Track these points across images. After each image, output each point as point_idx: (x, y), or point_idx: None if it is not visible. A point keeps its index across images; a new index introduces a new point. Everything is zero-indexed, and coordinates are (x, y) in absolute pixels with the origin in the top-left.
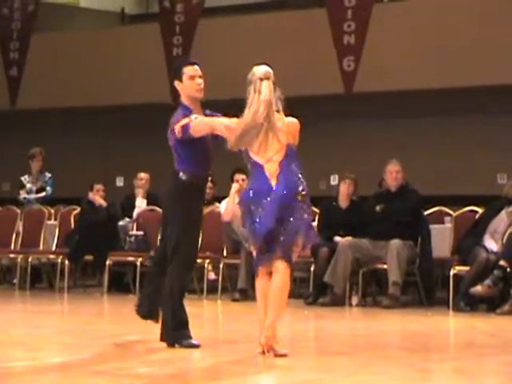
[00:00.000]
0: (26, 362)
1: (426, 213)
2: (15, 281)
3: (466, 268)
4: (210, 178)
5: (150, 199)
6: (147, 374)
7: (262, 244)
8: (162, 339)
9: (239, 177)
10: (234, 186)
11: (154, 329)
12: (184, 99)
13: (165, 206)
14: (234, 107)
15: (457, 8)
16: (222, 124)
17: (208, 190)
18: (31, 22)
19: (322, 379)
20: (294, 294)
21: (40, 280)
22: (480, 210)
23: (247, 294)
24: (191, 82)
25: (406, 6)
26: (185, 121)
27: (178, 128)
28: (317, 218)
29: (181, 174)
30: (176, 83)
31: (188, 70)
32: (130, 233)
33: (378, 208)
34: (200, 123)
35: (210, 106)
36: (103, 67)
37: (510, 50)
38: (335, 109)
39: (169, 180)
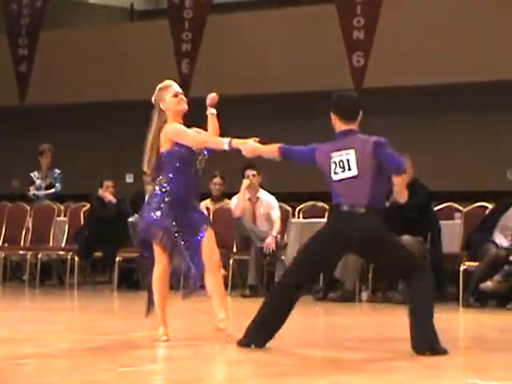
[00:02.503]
0: (35, 359)
1: (436, 209)
2: (25, 277)
3: (476, 264)
4: (218, 174)
5: None
6: (156, 370)
7: None
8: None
9: (250, 172)
10: (245, 182)
11: None
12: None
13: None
14: (242, 103)
15: (467, 3)
16: None
17: (218, 187)
18: (40, 17)
19: (332, 374)
20: None
21: (50, 277)
22: (490, 206)
23: (257, 290)
24: None
25: (416, 2)
26: None
27: None
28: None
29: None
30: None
31: None
32: None
33: (387, 204)
34: None
35: (220, 101)
36: (112, 63)
37: None
38: None
39: (372, 218)
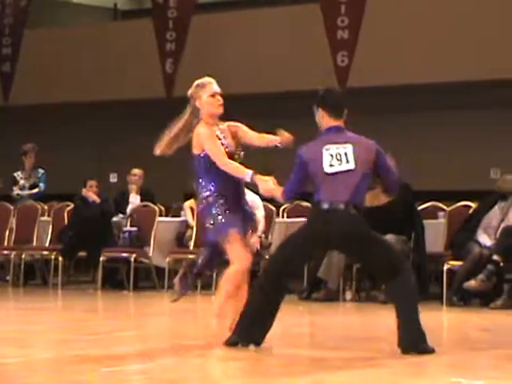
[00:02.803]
0: (19, 359)
1: (420, 208)
2: (8, 277)
3: (460, 263)
4: None
5: (144, 195)
6: (141, 370)
7: None
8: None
9: None
10: None
11: (148, 325)
12: None
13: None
14: (227, 102)
15: (450, 2)
16: None
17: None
18: (23, 17)
19: (315, 373)
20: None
21: (33, 276)
22: (473, 205)
23: None
24: None
25: (400, 2)
26: None
27: None
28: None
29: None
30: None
31: None
32: (124, 229)
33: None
34: None
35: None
36: (96, 63)
37: (503, 45)
38: None
39: (353, 217)
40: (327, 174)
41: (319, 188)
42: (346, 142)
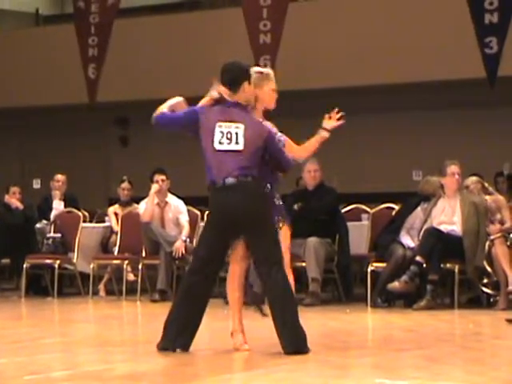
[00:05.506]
0: None
1: (344, 210)
2: None
3: (384, 264)
4: (127, 179)
5: (67, 201)
6: (66, 377)
7: None
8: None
9: (159, 177)
10: (154, 187)
11: (74, 331)
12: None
13: (246, 215)
14: (149, 107)
15: (369, 8)
16: None
17: (126, 192)
18: None
19: (241, 374)
20: (213, 294)
21: None
22: (396, 207)
23: (166, 295)
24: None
25: (321, 5)
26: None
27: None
28: None
29: (267, 186)
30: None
31: None
32: (48, 235)
33: (295, 206)
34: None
35: (123, 106)
36: (18, 68)
37: (427, 49)
38: None
39: (250, 188)
40: (216, 150)
41: (210, 167)
42: (238, 122)
